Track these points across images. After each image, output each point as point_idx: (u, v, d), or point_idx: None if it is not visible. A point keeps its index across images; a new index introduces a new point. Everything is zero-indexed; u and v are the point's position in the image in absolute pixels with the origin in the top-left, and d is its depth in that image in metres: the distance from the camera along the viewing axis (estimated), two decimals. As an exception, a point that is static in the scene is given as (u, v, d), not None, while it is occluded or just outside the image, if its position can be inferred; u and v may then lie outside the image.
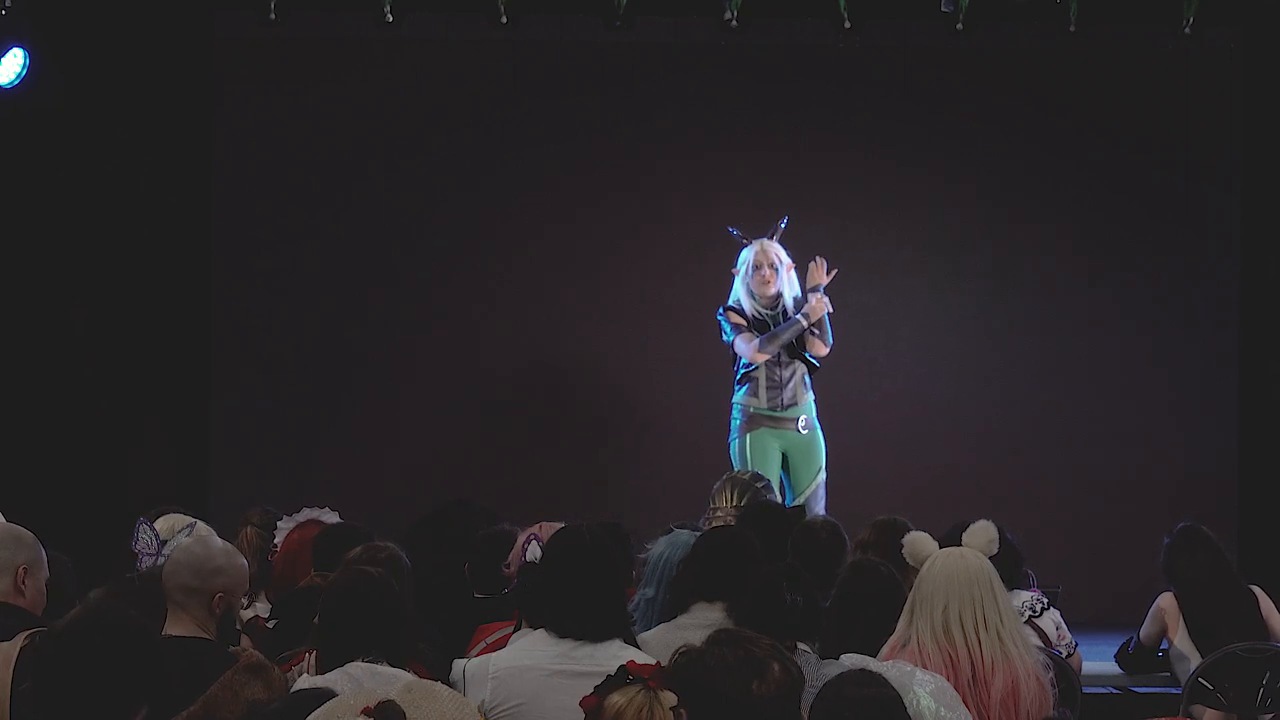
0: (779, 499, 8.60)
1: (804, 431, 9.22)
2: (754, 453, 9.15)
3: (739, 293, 9.28)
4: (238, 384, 11.01)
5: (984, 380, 11.12)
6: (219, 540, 5.05)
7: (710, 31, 10.45)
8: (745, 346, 9.19)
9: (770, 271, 9.21)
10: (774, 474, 9.10)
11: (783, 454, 9.24)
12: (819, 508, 9.10)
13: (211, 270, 11.00)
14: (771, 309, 9.24)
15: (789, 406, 9.20)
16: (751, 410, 9.21)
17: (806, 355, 9.25)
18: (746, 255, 9.28)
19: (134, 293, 10.65)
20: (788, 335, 9.19)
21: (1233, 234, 11.17)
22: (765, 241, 9.28)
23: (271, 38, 10.61)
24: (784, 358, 9.21)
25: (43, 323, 10.56)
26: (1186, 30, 10.30)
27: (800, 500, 9.10)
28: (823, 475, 9.26)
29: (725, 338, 9.29)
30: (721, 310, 9.32)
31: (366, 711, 2.94)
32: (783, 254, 9.28)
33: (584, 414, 11.10)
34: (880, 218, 11.10)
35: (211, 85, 10.97)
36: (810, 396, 9.30)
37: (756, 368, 9.19)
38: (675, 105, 11.15)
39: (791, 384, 9.22)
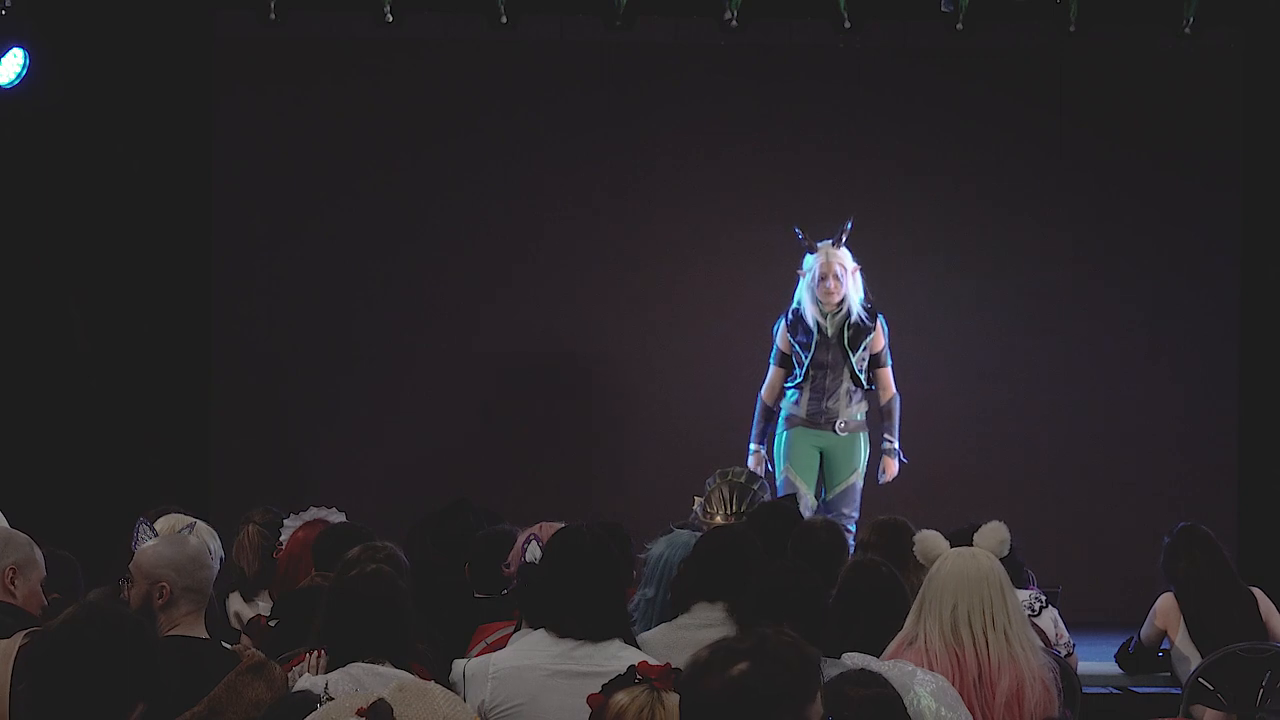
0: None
1: (842, 433, 9.21)
2: (792, 450, 9.22)
3: (802, 298, 9.25)
4: (238, 384, 11.01)
5: (984, 380, 11.12)
6: (192, 539, 5.00)
7: (710, 31, 10.44)
8: (764, 387, 9.33)
9: (835, 282, 9.16)
10: (811, 471, 9.16)
11: (821, 452, 9.25)
12: (846, 509, 9.10)
13: (211, 270, 11.00)
14: (836, 314, 9.21)
15: (829, 420, 9.20)
16: (792, 413, 9.25)
17: (862, 380, 9.23)
18: (811, 263, 9.21)
19: (134, 293, 10.65)
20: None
21: (1233, 234, 11.17)
22: (831, 249, 9.19)
23: (271, 38, 10.60)
24: (832, 370, 9.20)
25: (43, 322, 10.55)
26: (1186, 30, 10.30)
27: (831, 497, 9.14)
28: (856, 477, 9.22)
29: (770, 355, 9.35)
30: (780, 321, 9.29)
31: (360, 712, 2.95)
32: (848, 260, 9.22)
33: (585, 414, 11.11)
34: (880, 217, 11.08)
35: (211, 85, 10.97)
36: (857, 409, 9.27)
37: (805, 376, 9.20)
38: (675, 105, 11.15)
39: (834, 396, 9.20)
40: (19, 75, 9.86)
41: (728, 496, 7.34)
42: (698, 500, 7.44)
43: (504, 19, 10.20)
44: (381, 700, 2.99)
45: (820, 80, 11.16)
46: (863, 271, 9.31)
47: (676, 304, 11.07)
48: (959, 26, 10.15)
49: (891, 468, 9.31)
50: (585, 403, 11.12)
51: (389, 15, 10.16)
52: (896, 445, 9.31)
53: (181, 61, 10.74)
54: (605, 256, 11.14)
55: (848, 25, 10.28)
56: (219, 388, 11.01)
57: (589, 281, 11.13)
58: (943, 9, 10.09)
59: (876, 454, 9.40)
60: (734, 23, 10.17)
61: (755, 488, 7.43)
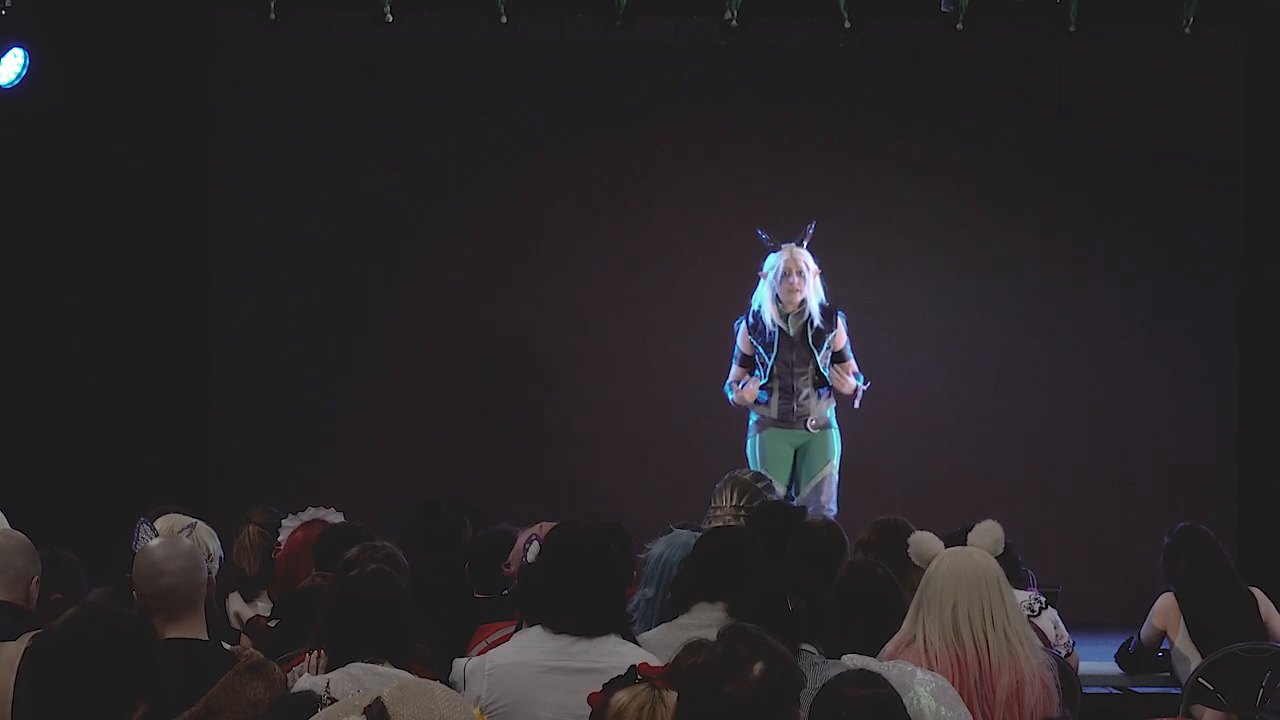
0: (781, 496, 8.65)
1: (813, 430, 9.25)
2: (765, 452, 9.25)
3: (763, 298, 9.28)
4: (237, 384, 11.01)
5: (983, 380, 11.12)
6: (185, 542, 4.99)
7: (710, 31, 10.44)
8: (729, 386, 9.32)
9: (799, 279, 9.21)
10: (784, 471, 9.18)
11: (794, 450, 9.28)
12: (823, 499, 9.12)
13: (211, 270, 11.00)
14: (797, 315, 9.23)
15: (800, 417, 9.24)
16: (762, 415, 9.27)
17: (827, 378, 9.25)
18: (775, 261, 9.27)
19: (134, 293, 10.65)
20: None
21: (1233, 234, 11.17)
22: (795, 248, 9.26)
23: (271, 38, 10.60)
24: (798, 369, 9.23)
25: (43, 323, 10.55)
26: (1186, 30, 10.29)
27: (806, 491, 9.14)
28: (831, 469, 9.26)
29: (733, 354, 9.33)
30: (740, 323, 9.32)
31: (365, 711, 2.96)
32: (811, 261, 9.28)
33: (585, 414, 11.10)
34: (880, 217, 11.10)
35: (211, 85, 10.97)
36: (825, 405, 9.31)
37: (771, 377, 9.22)
38: (675, 105, 11.15)
39: (804, 395, 9.24)
40: (19, 75, 9.86)
41: (729, 491, 7.36)
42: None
43: (504, 19, 10.20)
44: (378, 700, 3.00)
45: (820, 80, 11.16)
46: (824, 275, 9.36)
47: (676, 304, 11.07)
48: (959, 26, 10.14)
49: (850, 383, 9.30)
50: (585, 403, 11.12)
51: (389, 15, 10.15)
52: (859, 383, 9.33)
53: (181, 61, 10.74)
54: (605, 256, 11.14)
55: (848, 25, 10.28)
56: (219, 388, 11.01)
57: (589, 281, 11.13)
58: (943, 9, 10.08)
59: (849, 448, 9.42)
60: (734, 23, 10.17)
61: (760, 486, 7.44)
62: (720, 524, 6.79)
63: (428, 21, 10.76)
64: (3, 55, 9.78)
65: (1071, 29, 10.23)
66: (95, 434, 10.51)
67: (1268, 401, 10.95)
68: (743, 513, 7.11)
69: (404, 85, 11.08)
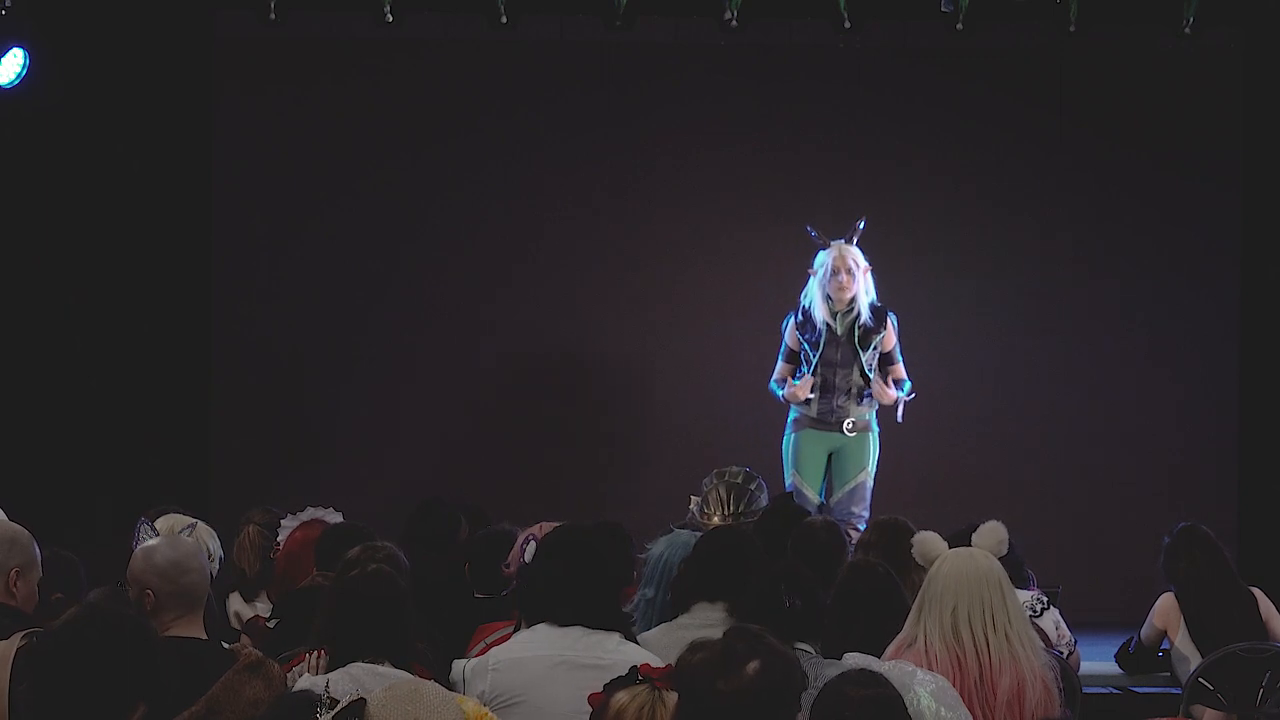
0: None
1: (850, 434, 9.17)
2: (798, 452, 9.18)
3: (813, 295, 9.18)
4: (238, 384, 11.01)
5: (983, 380, 11.11)
6: (188, 541, 4.99)
7: (710, 31, 10.44)
8: (775, 383, 9.26)
9: (847, 277, 9.10)
10: (817, 473, 9.13)
11: (829, 453, 9.21)
12: (856, 507, 9.08)
13: (211, 270, 11.00)
14: (846, 313, 9.17)
15: (839, 419, 9.15)
16: (801, 413, 9.21)
17: (870, 380, 9.17)
18: (824, 259, 9.15)
19: (134, 293, 10.65)
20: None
21: (1233, 234, 11.17)
22: (844, 245, 9.15)
23: (271, 38, 10.60)
24: (841, 369, 9.15)
25: (43, 323, 10.55)
26: (1186, 30, 10.29)
27: (839, 496, 9.10)
28: (867, 476, 9.18)
29: (779, 351, 9.30)
30: (788, 319, 9.26)
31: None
32: (860, 258, 9.16)
33: (584, 414, 11.10)
34: (880, 217, 11.05)
35: (211, 85, 10.97)
36: (866, 408, 9.21)
37: (814, 374, 9.13)
38: (675, 105, 11.15)
39: (844, 395, 9.15)
40: (19, 75, 9.86)
41: (724, 497, 7.33)
42: (694, 500, 7.44)
43: (504, 19, 10.20)
44: (360, 700, 3.00)
45: (820, 80, 11.15)
46: (873, 272, 9.29)
47: (676, 304, 11.06)
48: (959, 26, 10.13)
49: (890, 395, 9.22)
50: (585, 403, 11.12)
51: (389, 15, 10.15)
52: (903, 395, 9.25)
53: (181, 61, 10.74)
54: (605, 256, 11.14)
55: (848, 25, 10.27)
56: (219, 388, 11.01)
57: (589, 281, 11.13)
58: (943, 9, 10.08)
59: (886, 453, 9.38)
60: (734, 23, 10.16)
61: (752, 488, 7.42)
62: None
63: (428, 21, 10.76)
64: (3, 55, 9.79)
65: (1071, 29, 10.23)
66: (95, 434, 10.51)
67: (1268, 401, 10.95)
68: (740, 520, 7.09)
69: (404, 85, 11.08)
